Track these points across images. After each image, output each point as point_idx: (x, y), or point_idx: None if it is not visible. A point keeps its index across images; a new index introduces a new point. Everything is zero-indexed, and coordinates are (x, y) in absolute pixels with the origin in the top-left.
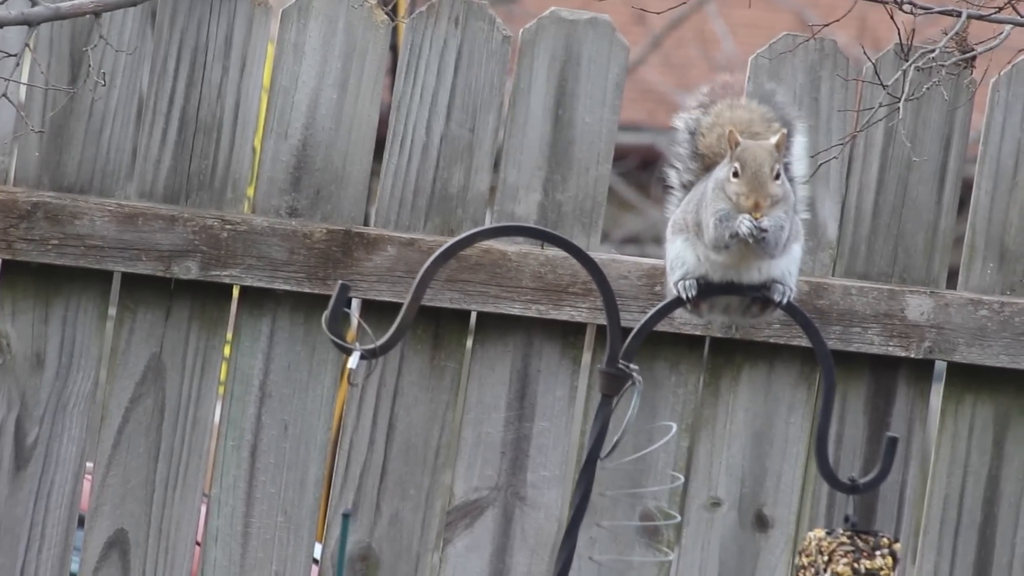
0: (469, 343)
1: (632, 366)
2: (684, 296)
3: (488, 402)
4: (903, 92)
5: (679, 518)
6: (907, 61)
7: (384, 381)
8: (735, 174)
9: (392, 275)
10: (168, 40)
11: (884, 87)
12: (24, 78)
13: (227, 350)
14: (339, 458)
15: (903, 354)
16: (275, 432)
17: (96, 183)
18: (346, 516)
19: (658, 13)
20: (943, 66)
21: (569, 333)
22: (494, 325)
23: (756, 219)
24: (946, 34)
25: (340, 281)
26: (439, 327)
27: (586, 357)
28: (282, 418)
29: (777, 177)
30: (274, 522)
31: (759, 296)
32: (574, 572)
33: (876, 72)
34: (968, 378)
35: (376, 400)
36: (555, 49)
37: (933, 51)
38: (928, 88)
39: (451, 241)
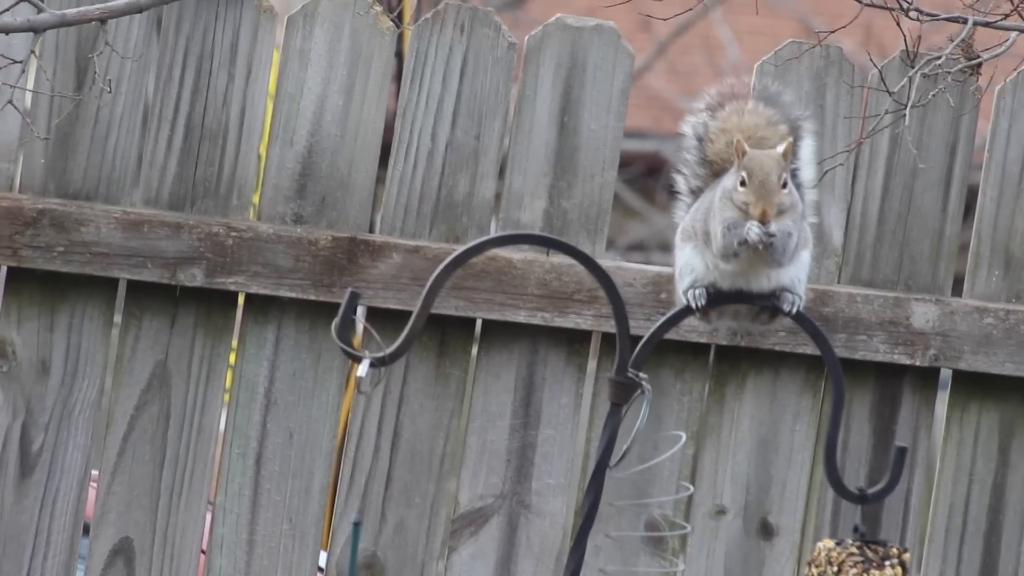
0: (474, 351)
1: (641, 375)
2: (694, 304)
3: (493, 410)
4: (909, 99)
5: (688, 528)
6: (913, 68)
7: (389, 389)
8: (742, 183)
9: (397, 282)
10: (174, 47)
11: (890, 94)
12: (30, 85)
13: (232, 357)
14: (344, 466)
15: (908, 362)
16: (280, 440)
17: (102, 190)
18: (356, 524)
19: (664, 20)
20: (949, 73)
21: (574, 341)
22: (499, 333)
23: (764, 225)
24: (952, 41)
25: (350, 288)
26: (444, 335)
27: (591, 365)
28: (287, 426)
29: (784, 186)
30: (279, 530)
31: (768, 305)
32: None
33: (882, 79)
34: (973, 386)
35: (381, 408)
36: (561, 56)
37: (939, 58)
38: (934, 95)
39: (461, 249)
